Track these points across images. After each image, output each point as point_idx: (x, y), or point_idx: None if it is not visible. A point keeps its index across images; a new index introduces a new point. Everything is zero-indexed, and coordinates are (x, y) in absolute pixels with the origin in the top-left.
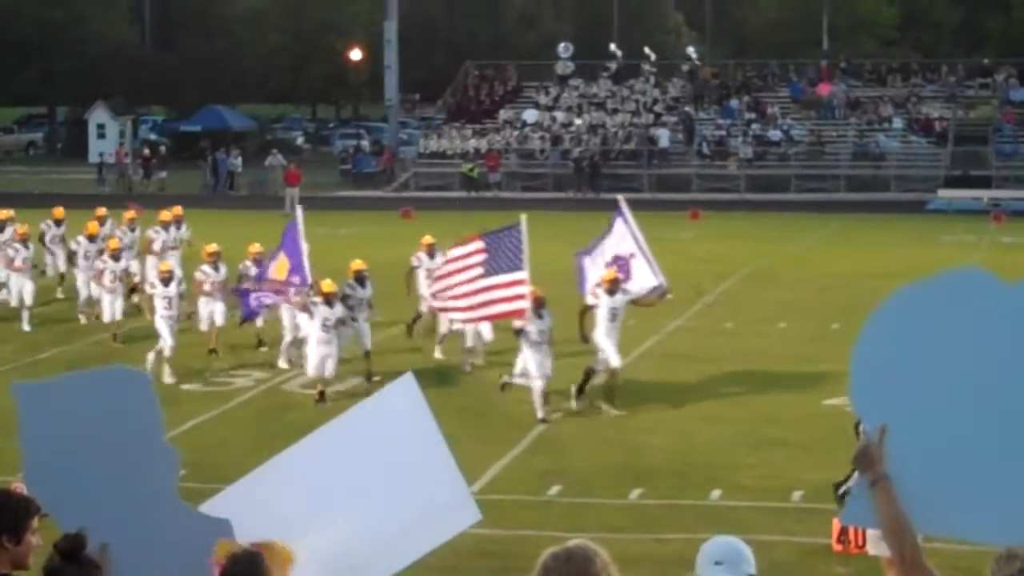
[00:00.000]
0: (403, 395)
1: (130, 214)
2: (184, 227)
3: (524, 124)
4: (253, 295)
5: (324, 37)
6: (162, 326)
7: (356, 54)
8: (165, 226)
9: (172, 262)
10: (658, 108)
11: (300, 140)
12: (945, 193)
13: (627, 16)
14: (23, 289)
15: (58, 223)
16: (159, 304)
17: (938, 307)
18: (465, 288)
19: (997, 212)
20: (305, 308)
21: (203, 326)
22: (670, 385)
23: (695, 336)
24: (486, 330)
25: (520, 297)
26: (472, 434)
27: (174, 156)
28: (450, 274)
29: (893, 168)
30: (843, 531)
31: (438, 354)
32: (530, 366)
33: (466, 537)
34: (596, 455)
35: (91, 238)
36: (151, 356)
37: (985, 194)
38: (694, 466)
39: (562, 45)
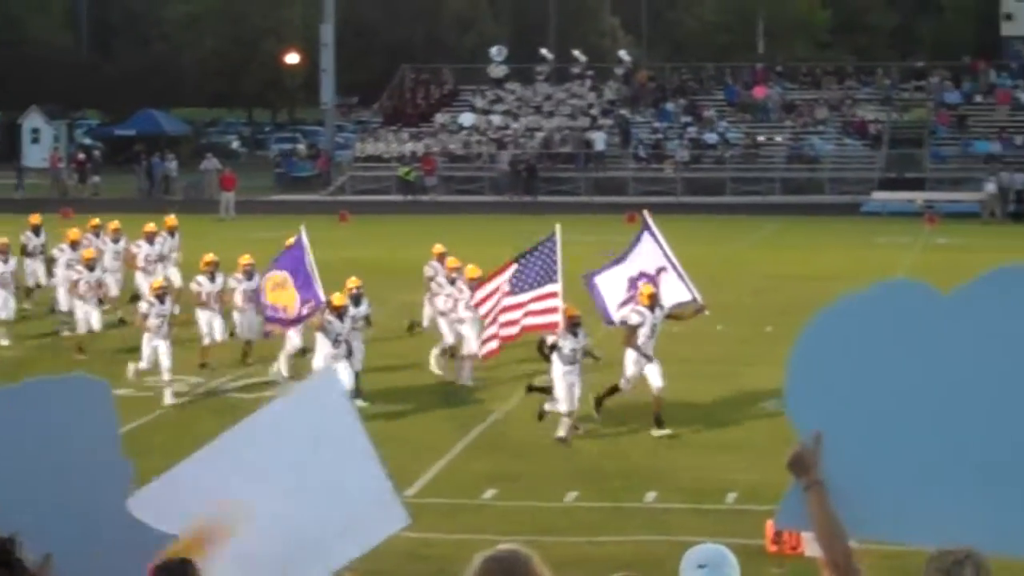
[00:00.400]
0: (326, 391)
1: (114, 224)
2: (177, 237)
3: (460, 127)
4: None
5: (260, 41)
6: (161, 347)
7: (292, 58)
8: (149, 238)
9: (170, 275)
10: (594, 111)
11: (236, 144)
12: (879, 195)
13: (563, 19)
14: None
15: (36, 231)
16: (154, 323)
17: (874, 317)
18: (500, 310)
19: (931, 214)
20: (322, 327)
21: (205, 340)
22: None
23: None
24: (473, 340)
25: (553, 311)
26: (410, 437)
27: (108, 161)
28: (485, 301)
29: (828, 171)
30: (778, 532)
31: (435, 368)
32: (558, 390)
33: (402, 541)
34: (533, 458)
35: (74, 245)
36: (132, 368)
37: (919, 196)
38: (630, 468)
39: (495, 48)
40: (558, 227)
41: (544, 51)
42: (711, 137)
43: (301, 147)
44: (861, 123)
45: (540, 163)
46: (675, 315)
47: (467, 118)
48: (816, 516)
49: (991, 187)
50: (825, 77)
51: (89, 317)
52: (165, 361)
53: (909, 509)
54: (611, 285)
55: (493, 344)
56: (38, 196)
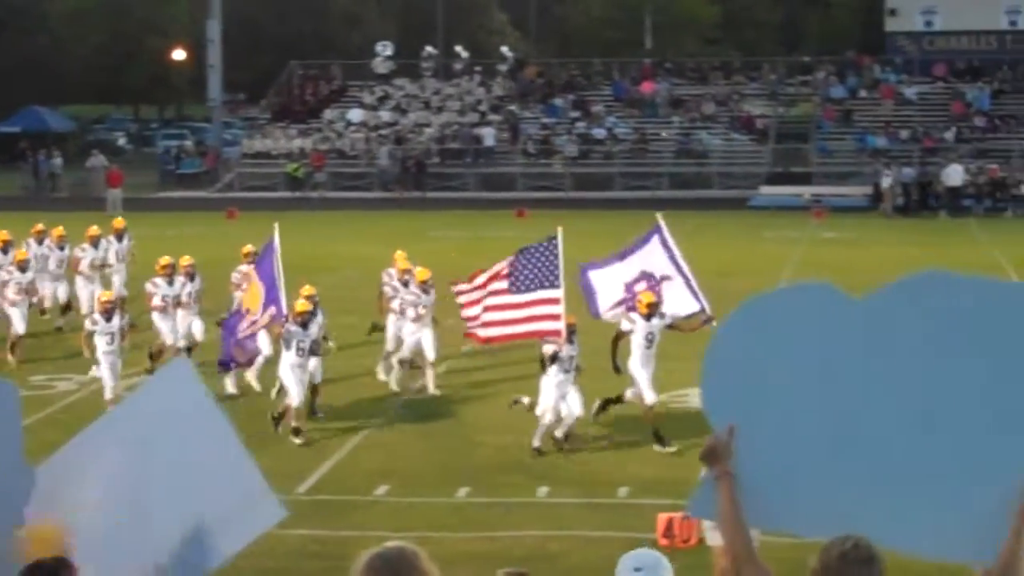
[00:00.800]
0: (177, 382)
1: (59, 230)
2: (127, 239)
3: (349, 124)
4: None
5: (146, 37)
6: (104, 368)
7: (179, 54)
8: (94, 242)
9: (115, 286)
10: (483, 107)
11: (122, 141)
12: (767, 190)
13: (451, 16)
14: None
15: None
16: (100, 341)
17: (783, 318)
18: (495, 302)
19: (818, 208)
20: (280, 338)
21: (168, 340)
22: (500, 383)
23: None
24: (429, 347)
25: (555, 317)
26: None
27: None
28: (478, 299)
29: (716, 165)
30: (669, 526)
31: (382, 375)
32: (548, 398)
33: (292, 538)
34: (425, 454)
35: (5, 247)
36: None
37: (806, 190)
38: (522, 464)
39: (380, 44)
40: (560, 230)
41: (429, 48)
42: (599, 132)
43: (189, 144)
44: (748, 118)
45: (429, 159)
46: (678, 326)
47: (355, 114)
48: (723, 506)
49: (888, 181)
50: (712, 72)
51: (15, 319)
52: (108, 379)
53: (812, 503)
54: (606, 282)
55: (493, 332)
56: None
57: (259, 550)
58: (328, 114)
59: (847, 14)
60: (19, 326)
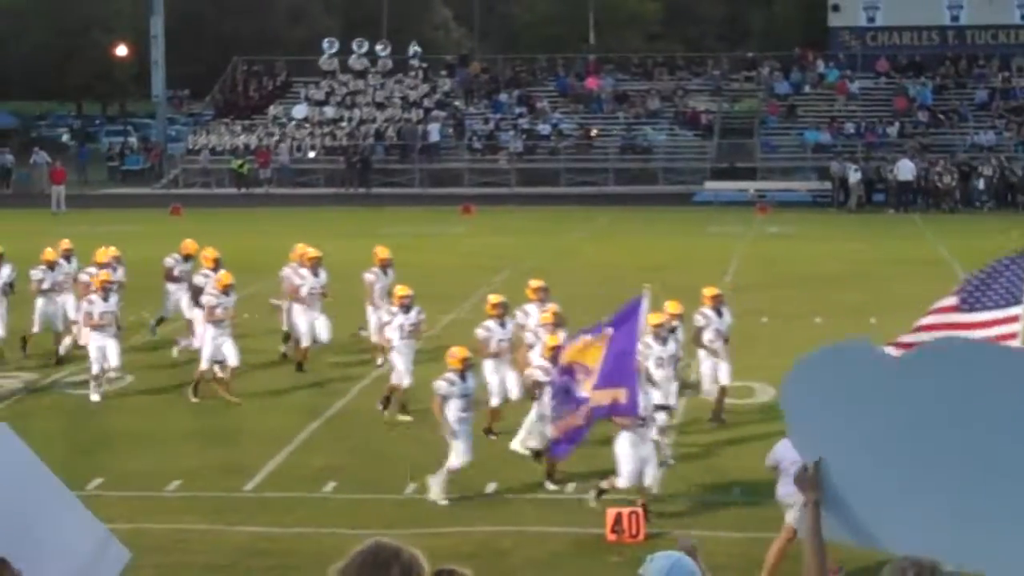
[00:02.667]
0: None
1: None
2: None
3: (292, 120)
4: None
5: (88, 32)
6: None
7: (122, 50)
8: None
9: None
10: (428, 103)
11: (66, 137)
12: (712, 185)
13: (396, 11)
14: None
15: None
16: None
17: (839, 369)
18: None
19: (762, 203)
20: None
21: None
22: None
23: (467, 329)
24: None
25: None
26: (249, 431)
27: None
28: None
29: (661, 161)
30: (617, 520)
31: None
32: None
33: (241, 535)
34: (374, 451)
35: None
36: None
37: (751, 185)
38: (474, 461)
39: (327, 41)
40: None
41: (376, 46)
42: (544, 128)
43: (133, 140)
44: (693, 113)
45: (373, 155)
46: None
47: (300, 110)
48: (810, 529)
49: (857, 176)
50: (657, 68)
51: None
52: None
53: (890, 522)
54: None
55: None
56: None
57: (208, 547)
58: (272, 110)
59: (790, 10)
60: None
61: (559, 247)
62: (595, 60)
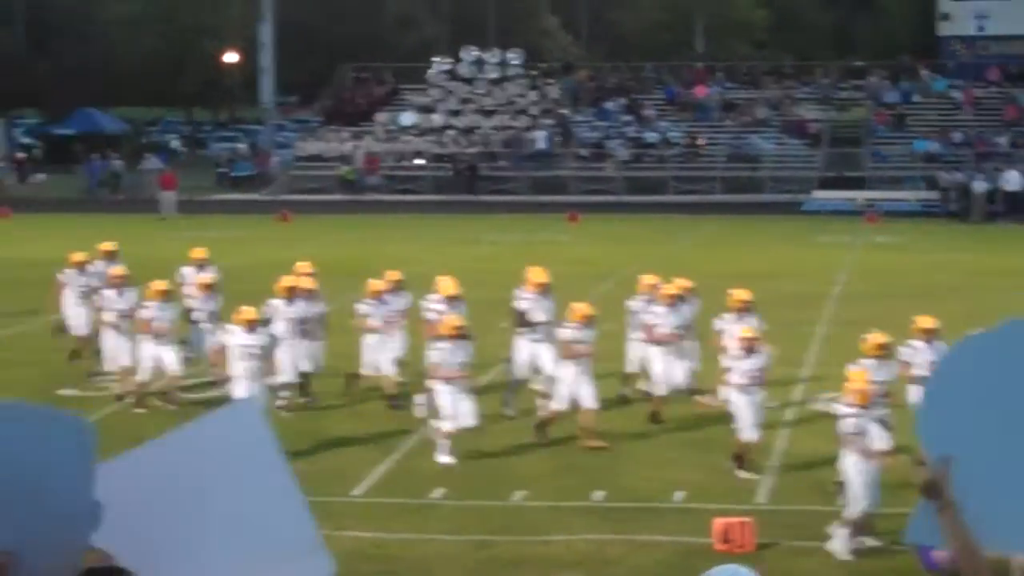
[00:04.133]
0: (242, 420)
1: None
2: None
3: (401, 127)
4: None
5: (199, 40)
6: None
7: (231, 57)
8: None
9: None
10: (534, 111)
11: (176, 143)
12: (819, 194)
13: (503, 18)
14: None
15: None
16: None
17: (1003, 353)
18: None
19: (871, 213)
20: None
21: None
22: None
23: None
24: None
25: None
26: (358, 437)
27: (48, 160)
28: None
29: (768, 170)
30: (726, 531)
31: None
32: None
33: (349, 540)
34: (480, 458)
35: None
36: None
37: (859, 195)
38: (577, 467)
39: (436, 58)
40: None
41: (476, 51)
42: (651, 136)
43: (242, 147)
44: (801, 122)
45: (480, 162)
46: None
47: (407, 117)
48: (952, 534)
49: (983, 186)
50: (764, 77)
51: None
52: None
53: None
54: None
55: None
56: None
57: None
58: (380, 117)
59: (899, 18)
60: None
61: (665, 256)
62: (703, 68)
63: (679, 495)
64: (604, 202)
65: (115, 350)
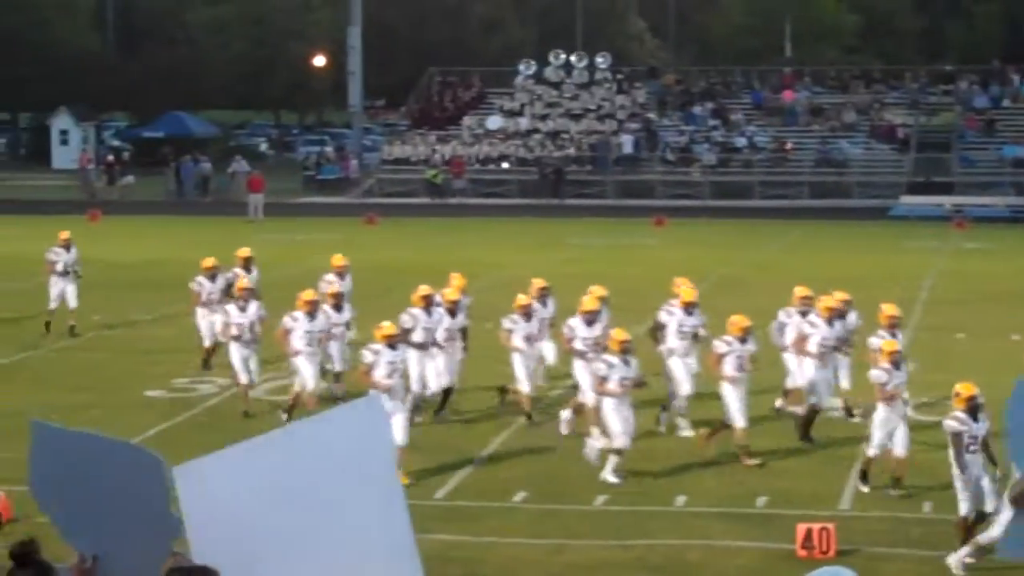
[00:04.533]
0: (366, 418)
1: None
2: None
3: (487, 131)
4: None
5: (286, 44)
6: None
7: (319, 60)
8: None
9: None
10: (621, 115)
11: (264, 146)
12: (908, 199)
13: (590, 22)
14: None
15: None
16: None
17: None
18: None
19: (960, 219)
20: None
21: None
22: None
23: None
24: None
25: None
26: (440, 440)
27: (136, 162)
28: None
29: (856, 175)
30: (808, 536)
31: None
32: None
33: (431, 543)
34: (561, 462)
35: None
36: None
37: (947, 200)
38: (659, 472)
39: (523, 63)
40: None
41: (563, 54)
42: (739, 141)
43: (329, 150)
44: (889, 127)
45: (567, 166)
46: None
47: (494, 121)
48: None
49: None
50: (853, 81)
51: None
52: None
53: None
54: None
55: None
56: (68, 198)
57: None
58: (467, 121)
59: (989, 23)
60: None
61: (753, 260)
62: (791, 73)
63: (761, 500)
64: (691, 206)
65: (238, 364)
